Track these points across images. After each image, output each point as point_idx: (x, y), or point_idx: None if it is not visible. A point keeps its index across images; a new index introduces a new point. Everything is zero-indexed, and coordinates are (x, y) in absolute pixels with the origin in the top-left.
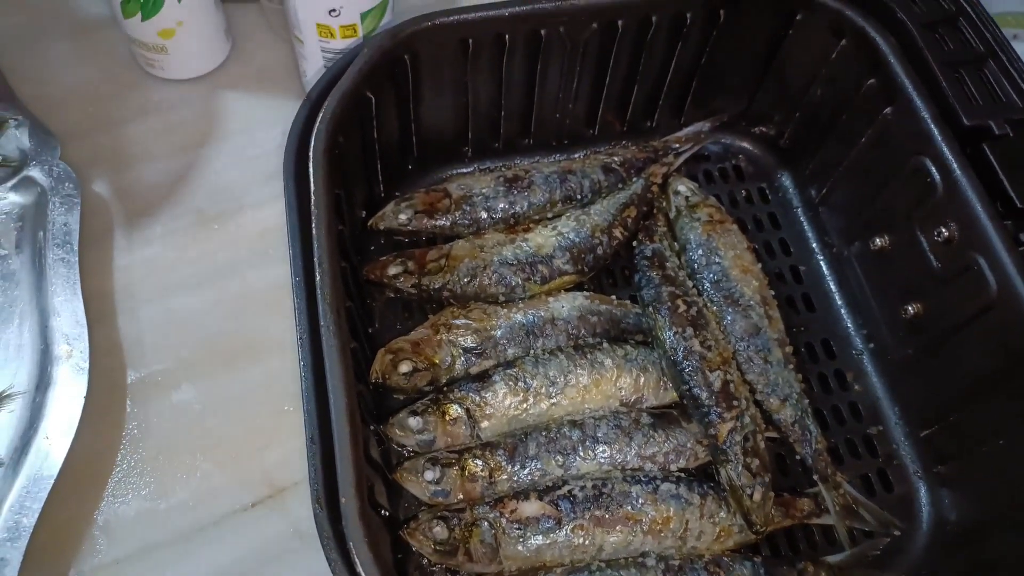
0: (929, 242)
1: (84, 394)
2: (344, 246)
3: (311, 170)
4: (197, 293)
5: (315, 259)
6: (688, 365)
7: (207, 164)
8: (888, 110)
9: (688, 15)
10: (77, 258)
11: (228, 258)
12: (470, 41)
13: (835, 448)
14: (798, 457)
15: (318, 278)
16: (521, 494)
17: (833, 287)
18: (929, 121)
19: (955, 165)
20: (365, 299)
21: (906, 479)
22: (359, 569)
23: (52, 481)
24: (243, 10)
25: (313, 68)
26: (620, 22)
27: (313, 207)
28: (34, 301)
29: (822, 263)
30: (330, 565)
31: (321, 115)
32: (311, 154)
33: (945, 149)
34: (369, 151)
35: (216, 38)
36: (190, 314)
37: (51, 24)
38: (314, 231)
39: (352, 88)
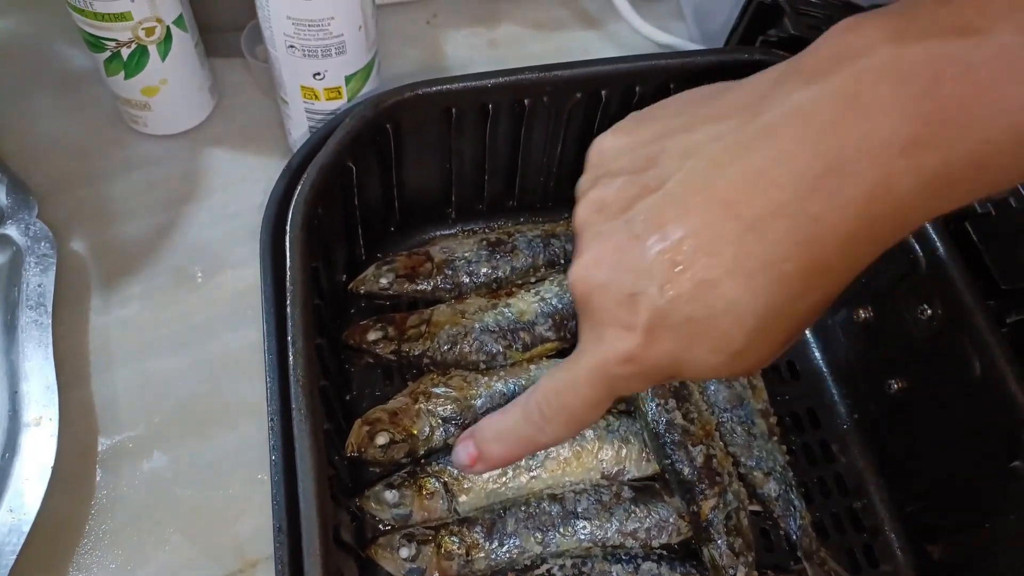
0: (913, 318)
1: (51, 465)
2: (322, 321)
3: (288, 245)
4: (174, 355)
5: (288, 338)
6: (670, 439)
7: (188, 221)
8: None
9: (672, 85)
10: (50, 320)
11: (207, 319)
12: (453, 110)
13: (820, 521)
14: (782, 532)
15: (291, 359)
16: (499, 574)
17: (818, 355)
18: None
19: (939, 243)
20: (343, 365)
21: (892, 555)
22: None
23: (15, 556)
24: (229, 66)
25: (298, 129)
26: (604, 92)
27: (288, 283)
28: (3, 366)
29: (807, 330)
30: None
31: (299, 188)
32: (288, 228)
33: (928, 226)
34: (350, 217)
35: (200, 95)
36: (166, 377)
37: (36, 77)
38: (288, 309)
39: (332, 160)
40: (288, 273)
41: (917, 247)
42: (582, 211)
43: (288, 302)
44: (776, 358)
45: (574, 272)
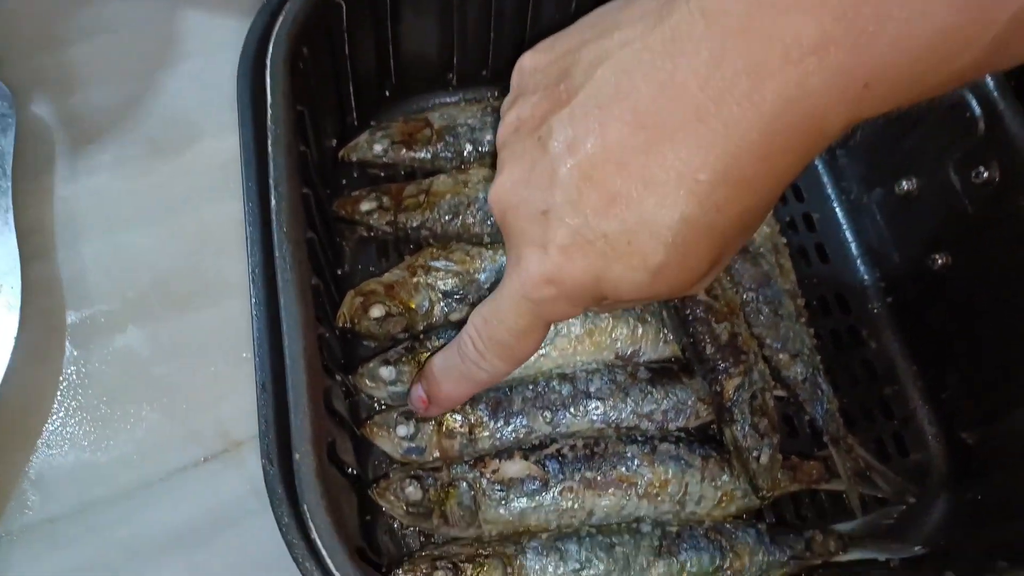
0: (964, 185)
1: (14, 334)
2: (308, 171)
3: (267, 80)
4: (148, 229)
5: (270, 182)
6: (692, 315)
7: (162, 88)
8: None
9: None
10: (10, 184)
11: (183, 192)
12: None
13: (847, 409)
14: (807, 418)
15: (273, 203)
16: (504, 453)
17: (849, 236)
18: None
19: (999, 98)
20: (334, 237)
21: (923, 444)
22: (314, 535)
23: None
24: None
25: None
26: None
27: (269, 122)
28: None
29: (838, 210)
30: (281, 531)
31: (281, 19)
32: (268, 62)
33: (989, 80)
34: (340, 71)
35: None
36: (139, 251)
37: None
38: (270, 150)
39: None
40: (269, 111)
41: (974, 103)
42: (501, 132)
43: (270, 143)
44: (708, 278)
45: (491, 195)
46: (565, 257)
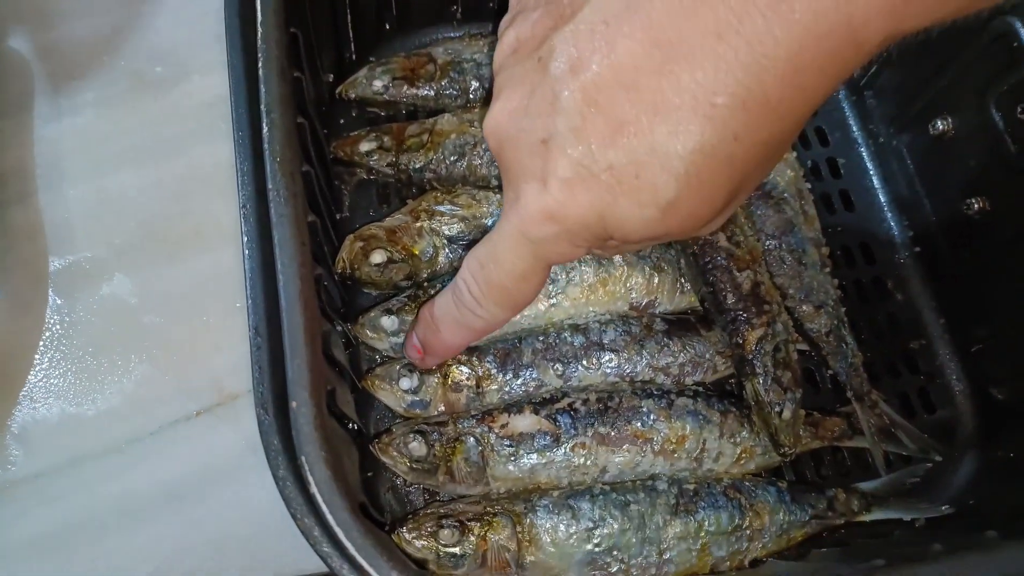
0: (1007, 122)
1: None
2: (303, 100)
3: None
4: (134, 171)
5: (262, 107)
6: (712, 263)
7: (147, 22)
8: None
9: None
10: None
11: (171, 132)
12: None
13: (871, 363)
14: (830, 372)
15: (265, 131)
16: (513, 407)
17: (876, 183)
18: None
19: None
20: (332, 180)
21: (951, 400)
22: (313, 489)
23: None
24: None
25: None
26: None
27: (260, 41)
28: None
29: (865, 155)
30: (278, 484)
31: None
32: None
33: None
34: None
35: None
36: (126, 194)
37: None
38: (261, 72)
39: None
40: (259, 30)
41: (1021, 32)
42: (498, 54)
43: (260, 64)
44: (723, 216)
45: (486, 125)
46: (567, 191)
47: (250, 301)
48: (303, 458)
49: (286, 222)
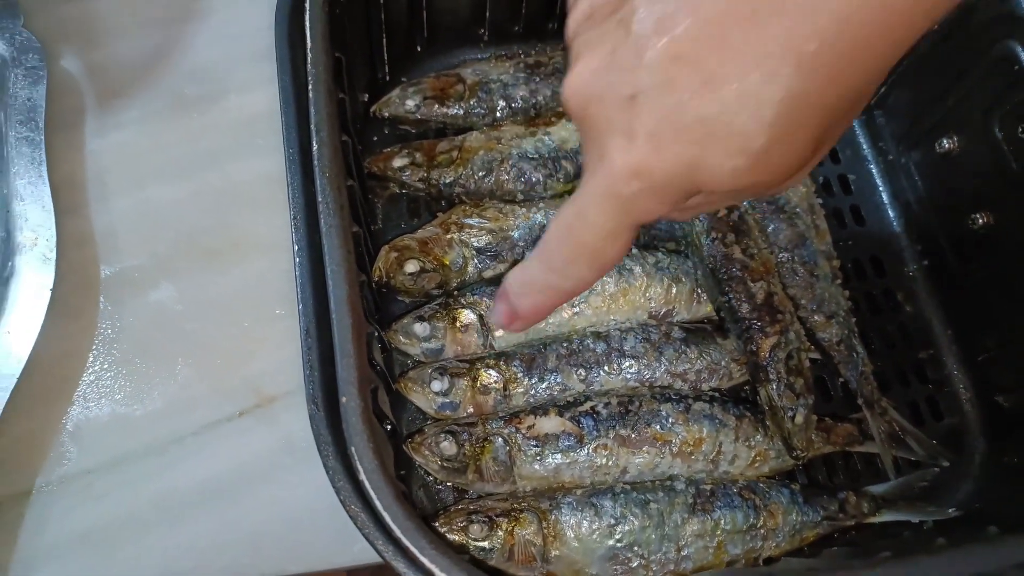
0: (1009, 141)
1: (50, 286)
2: (345, 118)
3: (307, 25)
4: (176, 184)
5: (312, 127)
6: (728, 274)
7: (187, 42)
8: None
9: None
10: (43, 137)
11: (210, 147)
12: None
13: (881, 372)
14: (841, 380)
15: (315, 148)
16: (539, 409)
17: (886, 198)
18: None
19: None
20: (367, 194)
21: (958, 408)
22: (362, 477)
23: (15, 380)
24: None
25: None
26: None
27: (310, 66)
28: None
29: (874, 171)
30: (328, 474)
31: None
32: (308, 6)
33: None
34: (374, 22)
35: None
36: (168, 207)
37: None
38: (311, 95)
39: None
40: (308, 55)
41: (1022, 55)
42: (571, 23)
43: (310, 87)
44: (809, 166)
45: (566, 87)
46: (656, 145)
47: (301, 305)
48: (352, 448)
49: (335, 232)
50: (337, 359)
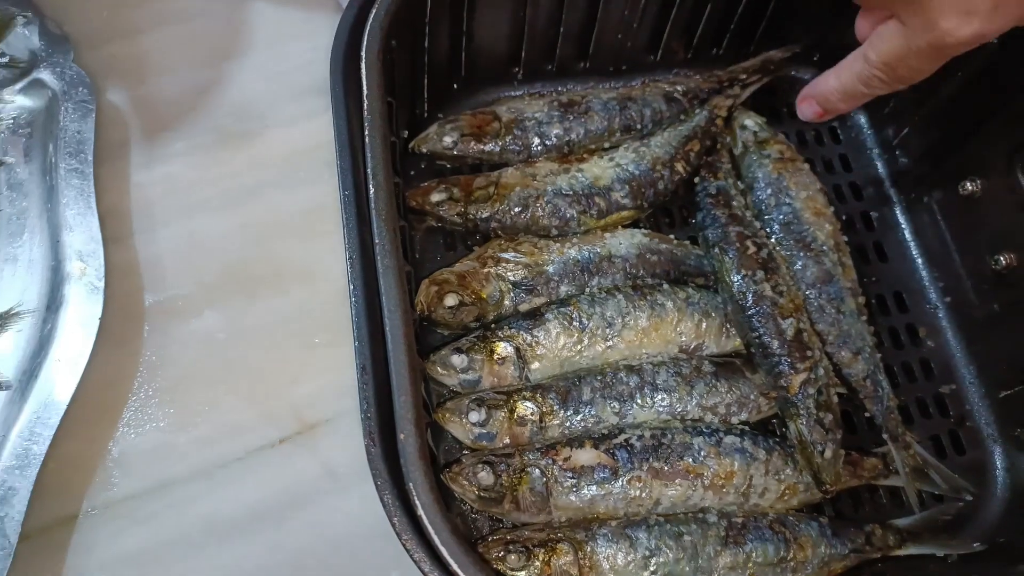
0: None
1: (99, 315)
2: (396, 161)
3: (363, 71)
4: (220, 216)
5: (368, 171)
6: (758, 311)
7: (231, 79)
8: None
9: None
10: (92, 169)
11: (253, 180)
12: None
13: (905, 407)
14: (867, 415)
15: (371, 192)
16: (575, 441)
17: (908, 236)
18: None
19: None
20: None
21: (980, 442)
22: (420, 512)
23: (64, 407)
24: None
25: None
26: None
27: (366, 112)
28: (44, 214)
29: (897, 209)
30: (385, 508)
31: (375, 11)
32: (363, 54)
33: None
34: (418, 63)
35: None
36: (212, 238)
37: None
38: (367, 140)
39: None
40: (365, 102)
41: None
42: None
43: (366, 133)
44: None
45: None
46: (994, 15)
47: (357, 343)
48: (410, 484)
49: (391, 273)
50: (395, 397)
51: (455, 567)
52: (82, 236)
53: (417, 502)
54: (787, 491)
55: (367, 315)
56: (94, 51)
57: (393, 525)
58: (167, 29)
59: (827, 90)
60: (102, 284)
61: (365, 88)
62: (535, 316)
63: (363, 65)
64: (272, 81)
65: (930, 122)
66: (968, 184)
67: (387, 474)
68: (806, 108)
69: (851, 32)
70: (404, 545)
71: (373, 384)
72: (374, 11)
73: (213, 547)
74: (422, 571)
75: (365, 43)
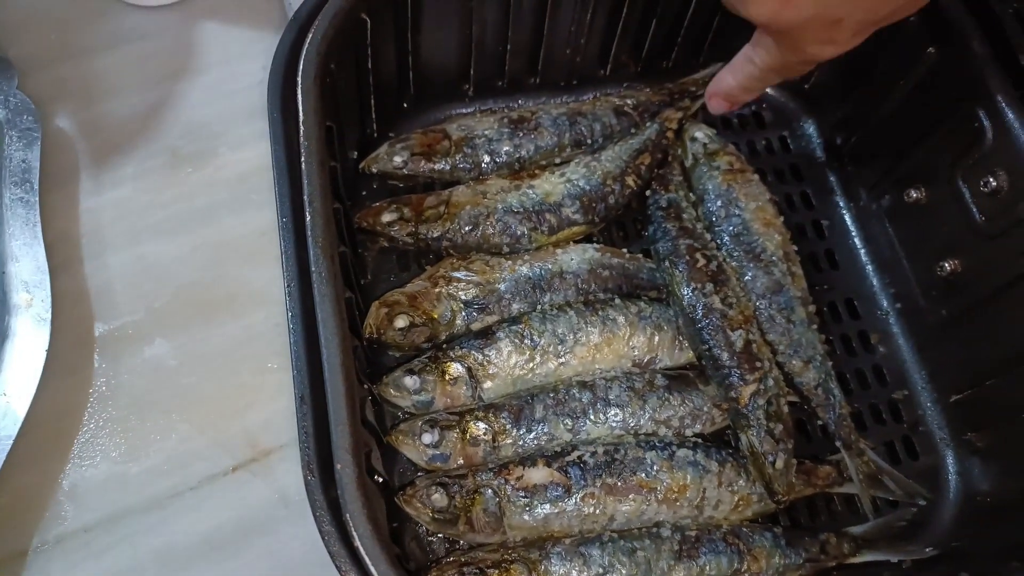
0: (973, 194)
1: (46, 347)
2: (336, 185)
3: (299, 97)
4: (171, 239)
5: (305, 198)
6: (708, 323)
7: (182, 100)
8: (932, 50)
9: None
10: (37, 198)
11: (205, 203)
12: None
13: (858, 413)
14: (820, 423)
15: (308, 219)
16: (527, 460)
17: (859, 243)
18: (982, 63)
19: (1007, 109)
20: (357, 249)
21: (933, 447)
22: (357, 543)
23: (11, 441)
24: None
25: None
26: None
27: (302, 138)
28: None
29: (847, 217)
30: (323, 538)
31: (311, 36)
32: (299, 80)
33: (999, 97)
34: (363, 84)
35: None
36: (164, 262)
37: None
38: (303, 167)
39: (347, 8)
40: (301, 128)
41: (983, 115)
42: None
43: (303, 159)
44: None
45: (764, 15)
46: (853, 40)
47: (295, 372)
48: (347, 515)
49: (328, 302)
50: (332, 427)
51: None
52: (28, 266)
53: (354, 533)
54: (741, 502)
55: (305, 343)
56: (42, 73)
57: (332, 556)
58: (116, 50)
59: (728, 88)
60: (49, 315)
61: (301, 114)
62: (487, 335)
63: (299, 91)
64: (223, 101)
65: (876, 131)
66: (913, 192)
67: (326, 505)
68: (715, 104)
69: None
70: None
71: (312, 414)
72: (310, 35)
73: None
74: None
75: (301, 68)
